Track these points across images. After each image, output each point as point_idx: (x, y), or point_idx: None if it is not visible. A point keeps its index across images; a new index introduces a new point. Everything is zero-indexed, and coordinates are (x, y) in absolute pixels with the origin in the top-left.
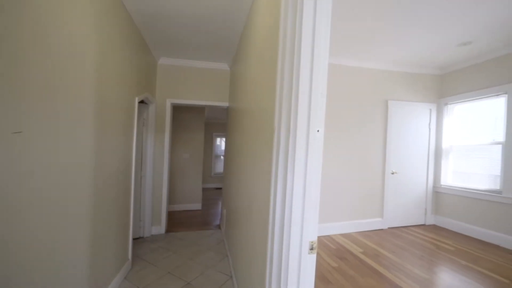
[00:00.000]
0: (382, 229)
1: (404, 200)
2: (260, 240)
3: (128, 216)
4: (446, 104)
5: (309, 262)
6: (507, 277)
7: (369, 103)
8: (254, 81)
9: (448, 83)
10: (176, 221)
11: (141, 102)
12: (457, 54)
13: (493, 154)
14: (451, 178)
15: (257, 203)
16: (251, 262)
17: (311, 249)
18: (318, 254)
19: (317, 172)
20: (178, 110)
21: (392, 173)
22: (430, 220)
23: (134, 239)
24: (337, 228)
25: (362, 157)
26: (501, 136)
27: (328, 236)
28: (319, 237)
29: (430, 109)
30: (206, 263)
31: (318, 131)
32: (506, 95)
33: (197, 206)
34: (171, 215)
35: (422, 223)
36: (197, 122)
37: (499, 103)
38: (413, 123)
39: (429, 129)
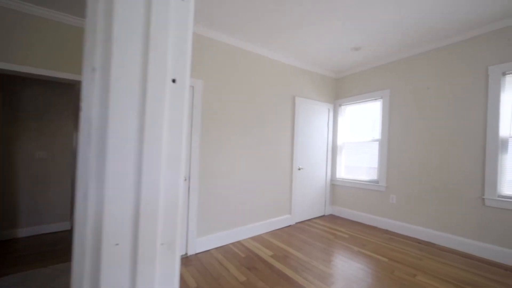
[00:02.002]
0: (290, 225)
1: (309, 194)
2: None
3: None
4: (340, 105)
5: None
6: (385, 256)
7: (278, 97)
8: None
9: (342, 86)
10: (22, 253)
11: None
12: (351, 58)
13: (373, 150)
14: (344, 171)
15: None
16: None
17: None
18: (225, 268)
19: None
20: (17, 84)
21: (299, 169)
22: (329, 211)
23: None
24: (249, 231)
25: (273, 154)
26: (378, 134)
27: (238, 242)
28: (228, 246)
29: (329, 109)
30: None
31: (174, 81)
32: (382, 99)
33: (65, 225)
34: (12, 245)
35: (322, 214)
36: (62, 104)
37: (377, 106)
38: (316, 121)
39: (328, 127)
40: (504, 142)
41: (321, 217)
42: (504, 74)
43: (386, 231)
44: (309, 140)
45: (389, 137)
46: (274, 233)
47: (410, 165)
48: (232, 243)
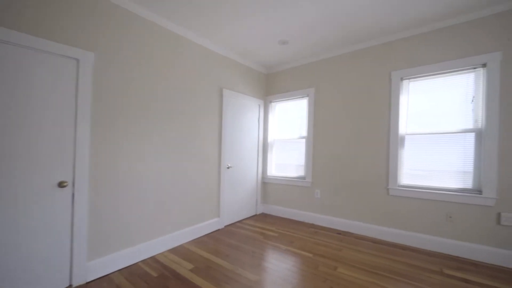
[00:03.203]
0: (219, 230)
1: (239, 194)
2: None
3: None
4: (270, 101)
5: None
6: (311, 251)
7: (204, 88)
8: None
9: (273, 82)
10: None
11: None
12: (279, 53)
13: (301, 147)
14: (274, 169)
15: None
16: None
17: None
18: None
19: None
20: None
21: (228, 168)
22: (260, 209)
23: None
24: (167, 242)
25: (198, 151)
26: (305, 132)
27: (152, 258)
28: (137, 265)
29: (259, 105)
30: None
31: None
32: (308, 97)
33: None
34: None
35: (254, 213)
36: None
37: (304, 103)
38: (246, 117)
39: (259, 123)
40: (402, 139)
41: (253, 216)
42: (402, 79)
43: (312, 225)
44: (239, 137)
45: (314, 135)
46: (199, 240)
47: (332, 161)
48: (143, 261)
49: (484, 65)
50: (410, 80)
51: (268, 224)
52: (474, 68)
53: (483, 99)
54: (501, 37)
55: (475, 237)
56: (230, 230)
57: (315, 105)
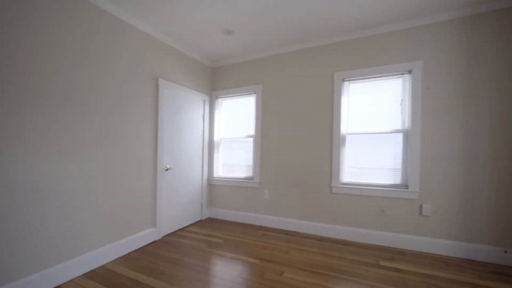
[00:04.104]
0: (155, 241)
1: (181, 199)
2: None
3: None
4: (217, 97)
5: None
6: (258, 256)
7: (137, 77)
8: None
9: (219, 77)
10: None
11: None
12: (225, 45)
13: (248, 146)
14: (221, 169)
15: None
16: None
17: None
18: None
19: None
20: None
21: (167, 169)
22: (206, 214)
23: None
24: (81, 265)
25: (126, 150)
26: (253, 130)
27: None
28: None
29: (204, 100)
30: None
31: None
32: (255, 95)
33: None
34: None
35: (199, 218)
36: None
37: (252, 101)
38: (189, 113)
39: (203, 121)
40: (343, 138)
41: (198, 222)
42: (343, 80)
43: (260, 227)
44: (180, 135)
45: (262, 134)
46: (128, 257)
47: (280, 161)
48: None
49: (409, 72)
50: (351, 81)
51: (214, 230)
52: (402, 74)
53: (408, 103)
54: (423, 47)
55: (403, 228)
56: (169, 240)
57: (262, 103)
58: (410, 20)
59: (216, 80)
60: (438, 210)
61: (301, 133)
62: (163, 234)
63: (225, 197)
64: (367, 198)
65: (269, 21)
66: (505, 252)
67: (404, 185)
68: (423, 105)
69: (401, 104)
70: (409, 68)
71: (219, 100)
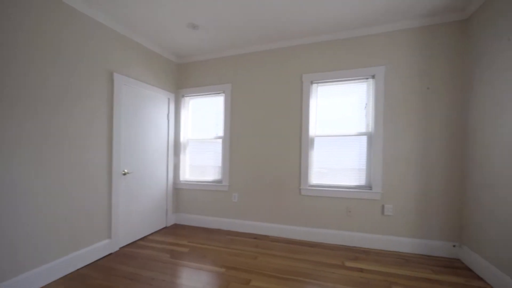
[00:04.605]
0: (111, 254)
1: (142, 205)
2: None
3: None
4: (183, 96)
5: None
6: (224, 264)
7: (88, 70)
8: None
9: (185, 74)
10: None
11: None
12: (192, 41)
13: (217, 148)
14: (188, 172)
15: None
16: None
17: None
18: None
19: None
20: None
21: (124, 174)
22: (171, 220)
23: None
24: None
25: (72, 153)
26: (222, 131)
27: None
28: None
29: (169, 98)
30: None
31: None
32: (224, 94)
33: None
34: None
35: (164, 225)
36: None
37: (220, 100)
38: (152, 112)
39: (168, 120)
40: (312, 140)
41: (162, 230)
42: (312, 82)
43: (229, 232)
44: (141, 136)
45: (231, 135)
46: (76, 275)
47: (249, 163)
48: None
49: (373, 77)
50: (319, 84)
51: (180, 237)
52: (366, 79)
53: (372, 106)
54: (385, 53)
55: (367, 228)
56: (127, 252)
57: (231, 102)
58: (375, 26)
59: (182, 78)
60: (398, 210)
61: (271, 134)
62: (121, 245)
63: (192, 202)
64: (334, 200)
65: (234, 17)
66: (454, 246)
67: (368, 186)
68: (385, 109)
69: (365, 107)
70: (372, 73)
71: (186, 98)
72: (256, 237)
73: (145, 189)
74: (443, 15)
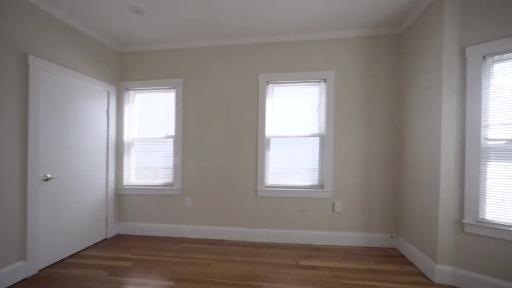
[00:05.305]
0: (26, 279)
1: (73, 215)
2: None
3: None
4: (127, 89)
5: None
6: (174, 276)
7: None
8: None
9: (130, 65)
10: None
11: None
12: (136, 28)
13: (168, 148)
14: (134, 175)
15: None
16: None
17: None
18: None
19: None
20: None
21: (47, 179)
22: (113, 231)
23: None
24: None
25: None
26: (173, 130)
27: None
28: None
29: (109, 91)
30: None
31: None
32: (175, 90)
33: None
34: None
35: (103, 237)
36: None
37: (172, 97)
38: (86, 106)
39: (108, 116)
40: (268, 141)
41: (101, 242)
42: (268, 82)
43: (182, 239)
44: (70, 133)
45: (183, 134)
46: None
47: (203, 164)
48: None
49: (325, 80)
50: (275, 84)
51: (122, 250)
52: (319, 82)
53: (324, 109)
54: (336, 58)
55: (320, 225)
56: (49, 275)
57: (184, 99)
58: (327, 32)
59: (127, 69)
60: (346, 207)
61: (226, 134)
62: (41, 267)
63: (139, 208)
64: (290, 200)
65: (180, 5)
66: (391, 237)
67: (320, 186)
68: (335, 112)
69: (317, 110)
70: (324, 77)
71: (131, 92)
72: (211, 242)
73: (77, 196)
74: (384, 28)
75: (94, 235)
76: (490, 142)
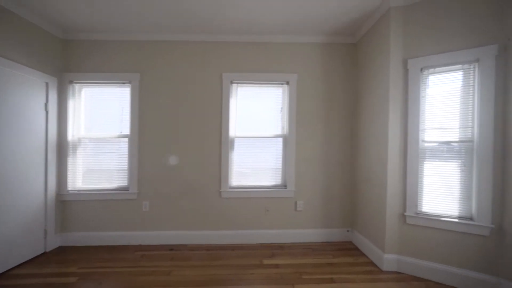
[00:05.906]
0: None
1: None
2: None
3: None
4: (71, 82)
5: None
6: None
7: None
8: None
9: (77, 55)
10: None
11: None
12: (80, 11)
13: (122, 148)
14: (81, 179)
15: None
16: None
17: None
18: None
19: None
20: None
21: None
22: (55, 243)
23: None
24: None
25: None
26: (128, 129)
27: None
28: None
29: (47, 83)
30: None
31: None
32: (131, 85)
33: None
34: None
35: (42, 251)
36: None
37: (126, 92)
38: (18, 100)
39: (47, 112)
40: (232, 141)
41: (38, 257)
42: (232, 82)
43: (139, 247)
44: None
45: (139, 133)
46: None
47: (162, 165)
48: None
49: (287, 83)
50: (239, 84)
51: (66, 264)
52: (282, 84)
53: (286, 110)
54: (298, 62)
55: (283, 224)
56: None
57: (140, 95)
58: (291, 35)
59: (72, 59)
60: (307, 205)
61: (188, 134)
62: None
63: (87, 216)
64: (254, 200)
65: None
66: (347, 231)
67: (284, 185)
68: (297, 114)
69: (281, 111)
70: (287, 79)
71: (77, 86)
72: (172, 248)
73: (4, 206)
74: (342, 37)
75: (28, 250)
76: (426, 144)
